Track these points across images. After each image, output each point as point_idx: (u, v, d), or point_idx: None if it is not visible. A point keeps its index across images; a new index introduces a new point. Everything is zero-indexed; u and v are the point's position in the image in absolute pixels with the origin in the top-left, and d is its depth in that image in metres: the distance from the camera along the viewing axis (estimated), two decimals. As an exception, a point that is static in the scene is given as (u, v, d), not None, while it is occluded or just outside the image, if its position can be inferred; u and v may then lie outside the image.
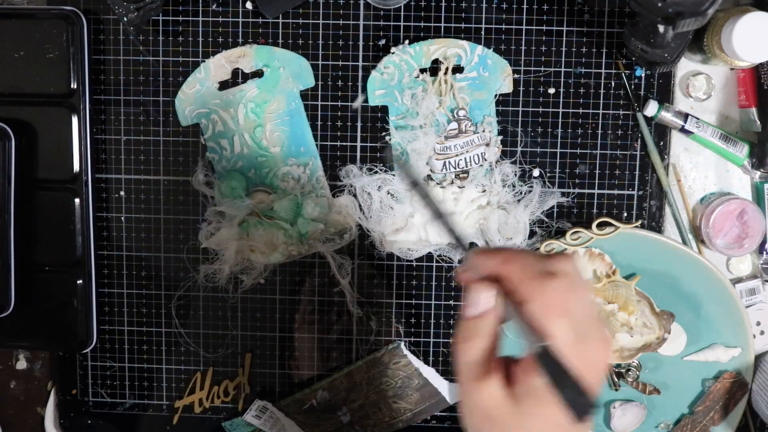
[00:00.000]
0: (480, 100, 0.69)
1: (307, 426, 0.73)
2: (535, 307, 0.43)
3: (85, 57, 0.69)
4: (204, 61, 0.70)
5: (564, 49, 0.69)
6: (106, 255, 0.73)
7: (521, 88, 0.69)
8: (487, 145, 0.69)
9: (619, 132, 0.70)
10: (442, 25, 0.69)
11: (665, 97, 0.69)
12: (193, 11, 0.70)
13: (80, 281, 0.70)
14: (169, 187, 0.72)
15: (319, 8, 0.69)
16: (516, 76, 0.69)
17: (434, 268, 0.72)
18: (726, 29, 0.63)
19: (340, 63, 0.70)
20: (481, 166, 0.69)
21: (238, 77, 0.70)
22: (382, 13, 0.69)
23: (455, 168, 0.69)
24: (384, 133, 0.70)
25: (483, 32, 0.69)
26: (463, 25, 0.69)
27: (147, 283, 0.73)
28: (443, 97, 0.69)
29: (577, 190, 0.70)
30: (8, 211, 0.67)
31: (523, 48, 0.69)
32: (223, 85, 0.70)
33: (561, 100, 0.70)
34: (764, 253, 0.71)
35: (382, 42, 0.69)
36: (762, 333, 0.72)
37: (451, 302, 0.72)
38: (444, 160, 0.69)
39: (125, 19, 0.64)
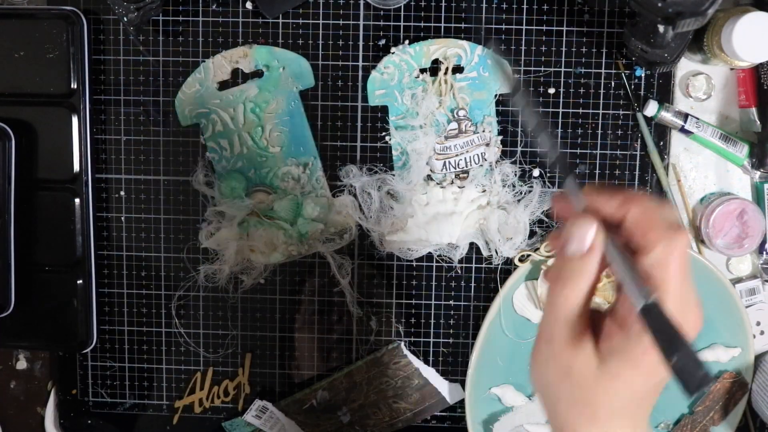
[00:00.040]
0: (480, 100, 0.69)
1: (307, 426, 0.73)
2: (656, 259, 0.39)
3: (85, 57, 0.69)
4: (204, 61, 0.70)
5: (564, 49, 0.69)
6: (106, 255, 0.73)
7: (521, 88, 0.69)
8: (487, 145, 0.69)
9: (619, 132, 0.70)
10: (442, 25, 0.69)
11: (665, 97, 0.69)
12: (193, 11, 0.70)
13: (80, 281, 0.70)
14: (169, 187, 0.72)
15: (319, 8, 0.69)
16: (516, 76, 0.69)
17: (434, 268, 0.72)
18: (726, 29, 0.63)
19: (340, 63, 0.70)
20: (481, 166, 0.69)
21: (238, 77, 0.70)
22: (382, 13, 0.69)
23: (455, 168, 0.69)
24: (384, 133, 0.70)
25: (483, 32, 0.69)
26: (463, 25, 0.69)
27: (147, 283, 0.73)
28: (443, 97, 0.69)
29: (577, 190, 0.70)
30: (8, 211, 0.67)
31: (523, 48, 0.69)
32: (223, 85, 0.70)
33: (561, 100, 0.70)
34: (764, 253, 0.71)
35: (382, 42, 0.69)
36: (762, 333, 0.72)
37: (451, 302, 0.72)
38: (444, 160, 0.69)
39: (125, 19, 0.64)
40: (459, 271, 0.72)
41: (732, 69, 0.70)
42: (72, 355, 0.74)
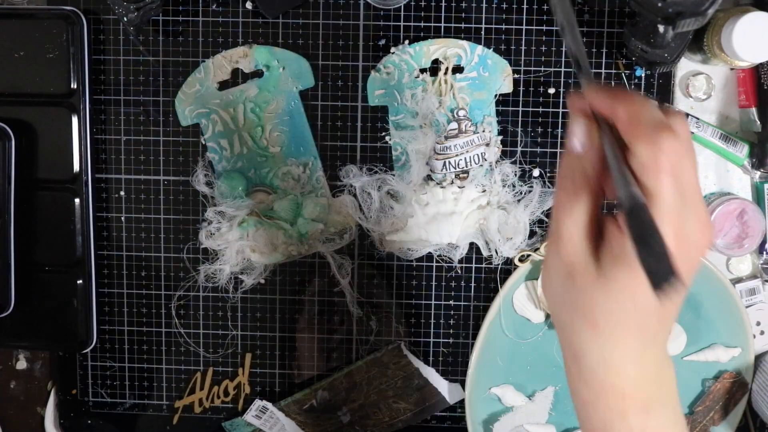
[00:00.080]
0: (480, 100, 0.69)
1: (307, 426, 0.73)
2: (643, 157, 0.37)
3: (85, 57, 0.69)
4: (204, 61, 0.70)
5: (564, 49, 0.69)
6: (106, 255, 0.73)
7: (521, 88, 0.69)
8: (487, 145, 0.69)
9: (619, 132, 0.70)
10: (442, 25, 0.69)
11: (665, 97, 0.69)
12: (193, 11, 0.70)
13: (80, 281, 0.70)
14: (169, 187, 0.72)
15: (319, 8, 0.69)
16: (516, 76, 0.69)
17: (434, 268, 0.72)
18: (726, 29, 0.63)
19: (340, 63, 0.70)
20: (481, 166, 0.69)
21: (238, 77, 0.70)
22: (382, 13, 0.69)
23: (455, 168, 0.69)
24: (384, 133, 0.70)
25: (483, 32, 0.69)
26: (463, 25, 0.69)
27: (147, 283, 0.73)
28: (443, 97, 0.69)
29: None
30: (8, 211, 0.67)
31: (523, 48, 0.69)
32: (223, 85, 0.70)
33: (561, 100, 0.69)
34: (764, 253, 0.71)
35: (382, 42, 0.69)
36: (762, 333, 0.72)
37: (451, 302, 0.72)
38: (444, 160, 0.69)
39: (125, 19, 0.64)
40: (459, 271, 0.72)
41: (732, 69, 0.70)
42: (72, 355, 0.74)
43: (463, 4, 0.69)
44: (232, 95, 0.70)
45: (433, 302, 0.72)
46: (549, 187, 0.70)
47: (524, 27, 0.69)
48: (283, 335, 0.73)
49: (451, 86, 0.69)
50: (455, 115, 0.69)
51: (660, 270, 0.34)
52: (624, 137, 0.39)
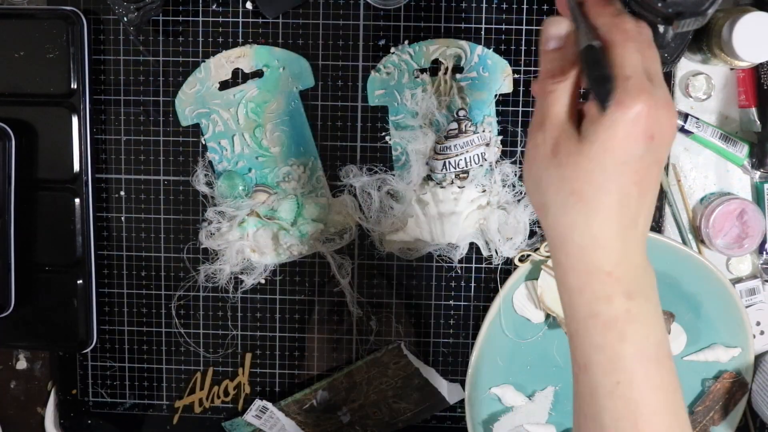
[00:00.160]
0: (480, 100, 0.69)
1: (307, 426, 0.73)
2: (606, 29, 0.43)
3: (85, 57, 0.69)
4: (204, 61, 0.70)
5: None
6: (106, 255, 0.73)
7: (521, 88, 0.69)
8: (487, 145, 0.69)
9: (619, 132, 0.70)
10: (442, 25, 0.69)
11: (665, 97, 0.69)
12: (193, 11, 0.70)
13: (80, 281, 0.70)
14: (169, 187, 0.72)
15: (319, 8, 0.69)
16: (516, 76, 0.69)
17: (434, 268, 0.72)
18: (726, 29, 0.63)
19: (340, 63, 0.70)
20: (481, 166, 0.69)
21: (238, 77, 0.70)
22: (382, 13, 0.69)
23: (455, 168, 0.69)
24: (384, 133, 0.70)
25: (483, 32, 0.69)
26: (463, 25, 0.69)
27: (147, 283, 0.73)
28: (443, 97, 0.69)
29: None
30: (8, 211, 0.67)
31: (523, 48, 0.69)
32: (223, 85, 0.70)
33: (561, 100, 0.69)
34: (764, 253, 0.71)
35: (382, 42, 0.69)
36: (762, 333, 0.72)
37: (451, 302, 0.72)
38: (444, 160, 0.69)
39: (125, 19, 0.64)
40: (459, 271, 0.72)
41: (732, 69, 0.70)
42: (72, 355, 0.74)
43: (463, 4, 0.69)
44: (232, 95, 0.70)
45: (433, 302, 0.72)
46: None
47: (524, 27, 0.69)
48: (283, 335, 0.73)
49: (451, 86, 0.69)
50: (455, 115, 0.69)
51: (603, 90, 0.40)
52: (591, 17, 0.44)
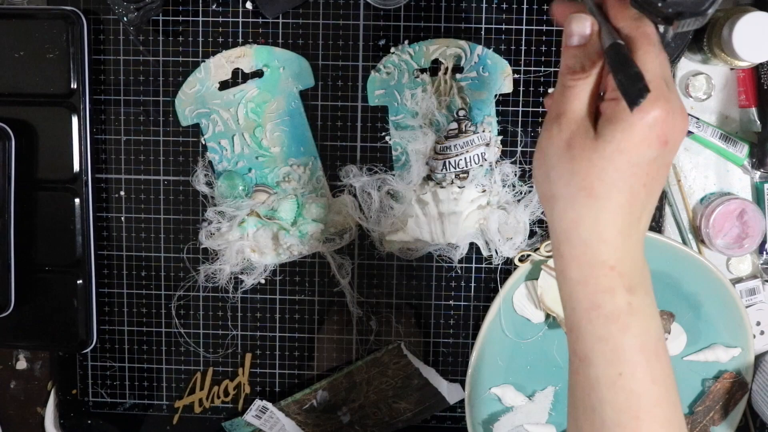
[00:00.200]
0: (480, 100, 0.69)
1: (307, 426, 0.73)
2: (628, 30, 0.44)
3: (85, 57, 0.69)
4: (204, 61, 0.70)
5: (564, 49, 0.69)
6: (106, 255, 0.73)
7: (521, 88, 0.69)
8: (487, 145, 0.69)
9: (619, 132, 0.70)
10: (442, 25, 0.69)
11: (665, 97, 0.69)
12: (193, 11, 0.70)
13: (80, 281, 0.70)
14: (169, 187, 0.72)
15: (319, 8, 0.69)
16: (516, 76, 0.69)
17: (434, 268, 0.72)
18: (726, 29, 0.63)
19: (340, 63, 0.70)
20: (481, 166, 0.69)
21: (238, 77, 0.70)
22: (382, 13, 0.69)
23: (455, 168, 0.69)
24: (384, 133, 0.70)
25: (483, 32, 0.69)
26: (463, 25, 0.69)
27: (147, 283, 0.73)
28: (443, 97, 0.69)
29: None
30: (8, 211, 0.67)
31: (523, 48, 0.69)
32: (223, 85, 0.70)
33: (561, 100, 0.69)
34: (764, 253, 0.71)
35: (382, 42, 0.69)
36: (762, 333, 0.72)
37: (451, 302, 0.72)
38: (444, 160, 0.69)
39: (125, 19, 0.64)
40: (459, 271, 0.72)
41: (732, 69, 0.70)
42: (72, 355, 0.74)
43: (463, 4, 0.69)
44: (232, 95, 0.70)
45: (433, 302, 0.72)
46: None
47: (524, 27, 0.69)
48: (283, 335, 0.73)
49: (451, 86, 0.69)
50: (455, 115, 0.69)
51: (635, 89, 0.40)
52: (612, 19, 0.45)
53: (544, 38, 0.69)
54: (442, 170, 0.69)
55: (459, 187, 0.69)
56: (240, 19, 0.70)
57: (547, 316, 0.70)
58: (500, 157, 0.70)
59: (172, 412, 0.75)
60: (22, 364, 0.76)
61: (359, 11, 0.69)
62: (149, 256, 0.73)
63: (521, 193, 0.70)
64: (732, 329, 0.71)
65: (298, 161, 0.70)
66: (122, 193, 0.72)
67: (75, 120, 0.69)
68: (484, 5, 0.69)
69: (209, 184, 0.70)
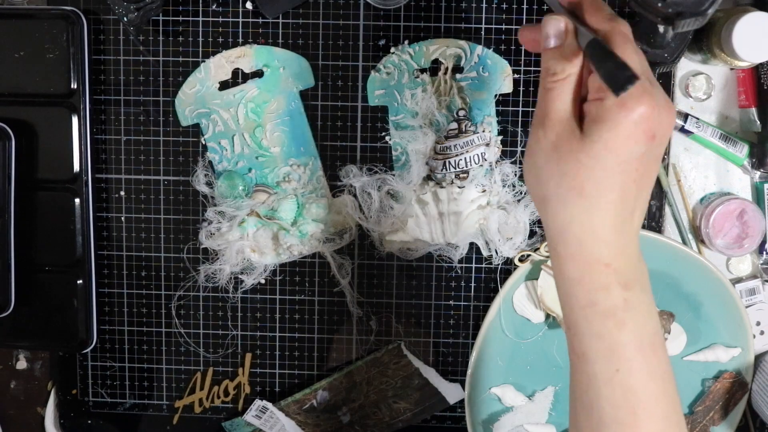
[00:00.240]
0: (480, 100, 0.69)
1: (307, 426, 0.73)
2: (604, 29, 0.44)
3: (85, 57, 0.69)
4: (204, 61, 0.70)
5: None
6: (106, 255, 0.73)
7: (521, 88, 0.69)
8: (487, 145, 0.69)
9: (619, 132, 0.70)
10: (442, 25, 0.69)
11: (665, 97, 0.69)
12: (193, 11, 0.70)
13: (80, 281, 0.70)
14: (169, 187, 0.72)
15: (319, 8, 0.69)
16: (516, 76, 0.69)
17: (434, 268, 0.72)
18: (726, 29, 0.63)
19: (340, 63, 0.70)
20: (481, 166, 0.69)
21: (238, 77, 0.70)
22: (382, 13, 0.69)
23: (455, 168, 0.69)
24: (384, 133, 0.70)
25: (483, 32, 0.69)
26: (463, 25, 0.69)
27: (147, 283, 0.73)
28: (443, 97, 0.69)
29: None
30: (8, 211, 0.67)
31: (523, 48, 0.69)
32: (223, 85, 0.70)
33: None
34: (764, 253, 0.71)
35: (382, 42, 0.69)
36: (762, 333, 0.72)
37: (451, 302, 0.72)
38: (444, 160, 0.69)
39: (125, 19, 0.64)
40: (459, 271, 0.72)
41: (732, 69, 0.70)
42: (72, 355, 0.74)
43: (463, 4, 0.69)
44: (232, 95, 0.70)
45: (433, 302, 0.72)
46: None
47: (524, 27, 0.69)
48: (283, 335, 0.73)
49: (451, 86, 0.69)
50: (455, 115, 0.69)
51: (623, 76, 0.40)
52: (588, 20, 0.45)
53: (544, 38, 0.69)
54: (442, 170, 0.69)
55: (459, 187, 0.69)
56: (240, 19, 0.70)
57: (547, 316, 0.70)
58: (500, 157, 0.70)
59: (172, 412, 0.75)
60: (22, 364, 0.76)
61: (359, 11, 0.69)
62: (149, 256, 0.73)
63: (521, 193, 0.70)
64: (732, 329, 0.71)
65: (298, 161, 0.70)
66: (122, 193, 0.72)
67: (75, 120, 0.69)
68: (484, 5, 0.69)
69: (209, 184, 0.70)
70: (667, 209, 0.71)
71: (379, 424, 0.74)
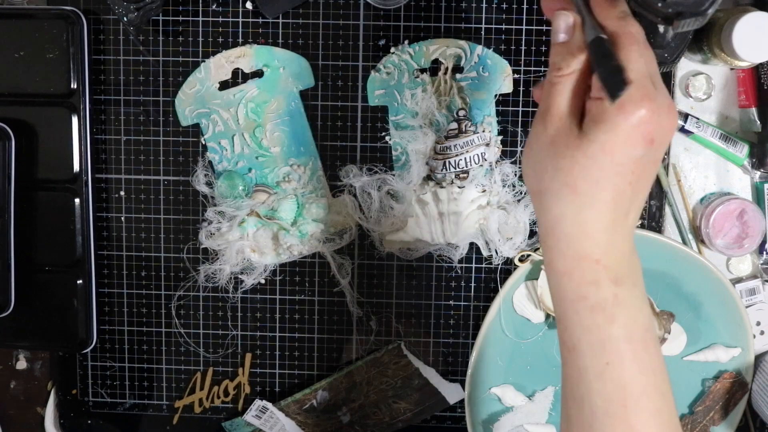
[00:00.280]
0: (480, 100, 0.69)
1: (307, 426, 0.73)
2: (613, 28, 0.44)
3: (85, 57, 0.69)
4: (204, 61, 0.70)
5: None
6: (106, 255, 0.73)
7: (521, 88, 0.69)
8: (487, 145, 0.69)
9: (619, 132, 0.70)
10: (442, 25, 0.69)
11: (665, 97, 0.69)
12: (193, 11, 0.70)
13: (80, 281, 0.70)
14: (169, 187, 0.72)
15: (319, 8, 0.69)
16: (516, 76, 0.69)
17: (434, 268, 0.72)
18: (726, 29, 0.63)
19: (340, 63, 0.70)
20: (481, 166, 0.69)
21: (238, 77, 0.70)
22: (382, 13, 0.69)
23: (455, 168, 0.69)
24: (384, 133, 0.70)
25: (483, 32, 0.69)
26: (463, 25, 0.69)
27: (147, 283, 0.73)
28: (443, 97, 0.69)
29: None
30: (8, 211, 0.67)
31: (523, 48, 0.69)
32: (223, 85, 0.70)
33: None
34: (764, 253, 0.71)
35: (382, 42, 0.69)
36: (762, 333, 0.72)
37: (451, 302, 0.72)
38: (444, 160, 0.69)
39: (125, 19, 0.64)
40: (459, 271, 0.72)
41: (732, 69, 0.70)
42: (72, 355, 0.74)
43: (463, 4, 0.69)
44: (232, 95, 0.70)
45: (433, 302, 0.72)
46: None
47: (524, 27, 0.69)
48: (283, 335, 0.73)
49: (451, 86, 0.69)
50: (455, 115, 0.69)
51: (615, 81, 0.40)
52: (598, 16, 0.45)
53: (544, 38, 0.69)
54: (442, 170, 0.69)
55: (459, 187, 0.69)
56: (240, 19, 0.70)
57: (547, 316, 0.70)
58: (500, 157, 0.70)
59: (172, 412, 0.75)
60: (22, 364, 0.76)
61: (359, 11, 0.69)
62: (149, 256, 0.73)
63: (521, 193, 0.70)
64: (732, 329, 0.71)
65: (298, 161, 0.70)
66: (122, 193, 0.72)
67: (75, 120, 0.69)
68: (484, 5, 0.69)
69: (209, 184, 0.70)
70: (667, 209, 0.71)
71: (379, 424, 0.74)
